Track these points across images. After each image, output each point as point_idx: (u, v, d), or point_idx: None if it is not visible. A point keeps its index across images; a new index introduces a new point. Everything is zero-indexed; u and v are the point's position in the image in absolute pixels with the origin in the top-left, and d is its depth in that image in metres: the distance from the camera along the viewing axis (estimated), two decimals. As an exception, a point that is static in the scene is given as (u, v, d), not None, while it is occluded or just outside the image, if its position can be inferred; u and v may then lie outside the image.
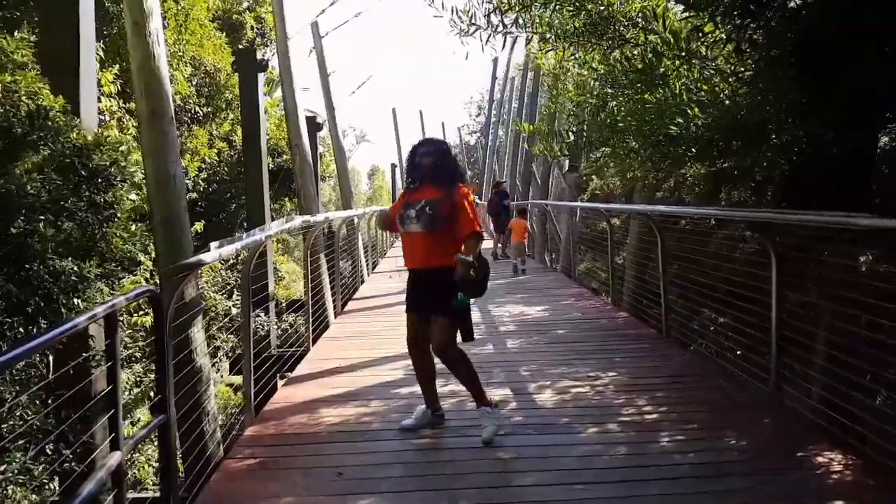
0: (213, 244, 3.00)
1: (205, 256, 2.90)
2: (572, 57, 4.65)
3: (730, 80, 3.51)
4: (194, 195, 13.03)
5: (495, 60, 35.01)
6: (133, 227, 4.44)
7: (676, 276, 6.10)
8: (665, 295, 6.12)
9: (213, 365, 14.59)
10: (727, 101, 3.53)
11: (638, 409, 4.26)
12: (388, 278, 12.19)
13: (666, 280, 6.11)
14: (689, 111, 3.41)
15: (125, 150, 4.59)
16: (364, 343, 6.34)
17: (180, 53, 9.35)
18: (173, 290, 2.87)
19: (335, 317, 8.18)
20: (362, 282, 11.34)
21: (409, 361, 4.73)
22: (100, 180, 4.52)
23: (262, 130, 8.49)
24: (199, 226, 10.32)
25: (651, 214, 5.81)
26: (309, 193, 8.65)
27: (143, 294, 2.72)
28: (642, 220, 7.06)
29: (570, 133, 4.83)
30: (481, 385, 3.97)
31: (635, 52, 4.19)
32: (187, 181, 12.97)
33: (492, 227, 21.54)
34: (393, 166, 41.47)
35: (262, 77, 8.58)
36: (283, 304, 12.14)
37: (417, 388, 4.30)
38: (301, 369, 5.48)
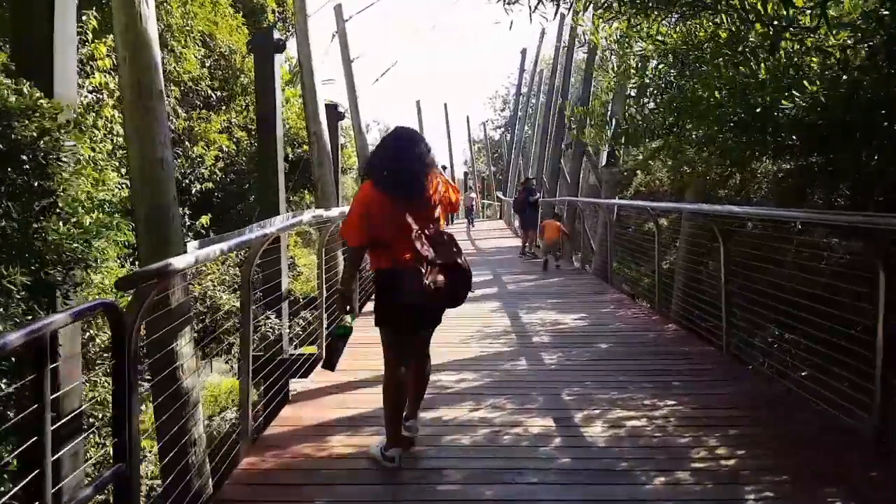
0: (192, 244, 2.37)
1: (176, 261, 2.25)
2: (634, 29, 3.91)
3: (846, 50, 2.76)
4: (210, 185, 12.54)
5: (523, 52, 34.14)
6: (88, 221, 3.70)
7: (741, 286, 5.32)
8: (727, 307, 5.34)
9: (227, 363, 14.12)
10: (842, 76, 2.78)
11: (710, 452, 3.52)
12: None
13: (728, 290, 5.34)
14: (798, 89, 2.66)
15: (69, 119, 3.64)
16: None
17: (188, 28, 8.75)
18: (140, 303, 2.21)
19: (353, 319, 7.54)
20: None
21: (439, 378, 4.17)
22: (25, 157, 3.41)
23: (278, 115, 7.86)
24: (205, 219, 9.73)
25: (713, 215, 5.04)
26: (327, 185, 7.98)
27: (92, 310, 2.08)
28: (698, 221, 6.28)
29: (630, 118, 4.10)
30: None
31: (716, 21, 3.45)
32: (203, 170, 12.48)
33: (516, 223, 20.94)
34: (416, 160, 40.70)
35: (279, 59, 7.96)
36: (301, 301, 11.56)
37: (450, 412, 3.67)
38: (311, 382, 4.83)
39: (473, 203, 29.03)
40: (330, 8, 13.75)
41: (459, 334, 6.29)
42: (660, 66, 3.93)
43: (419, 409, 3.64)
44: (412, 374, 3.41)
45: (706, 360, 5.31)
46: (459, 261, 3.23)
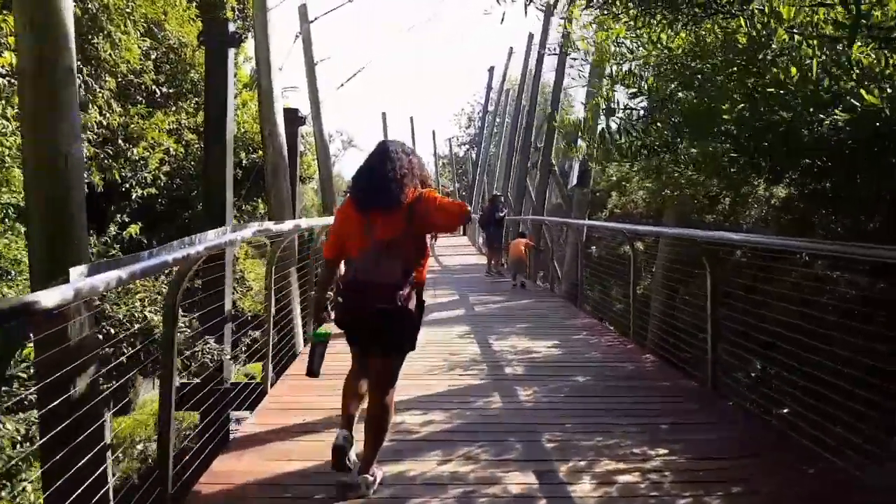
0: (77, 270, 1.75)
1: (45, 296, 1.61)
2: (635, 33, 3.48)
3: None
4: (153, 191, 11.65)
5: (491, 69, 34.13)
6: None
7: (728, 317, 4.92)
8: (713, 340, 4.93)
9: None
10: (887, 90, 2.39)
11: (718, 518, 3.04)
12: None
13: (715, 321, 4.94)
14: (858, 100, 2.25)
15: None
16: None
17: (129, 11, 7.95)
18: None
19: (305, 345, 6.88)
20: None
21: (404, 420, 4.02)
22: None
23: (229, 114, 7.15)
24: (134, 228, 8.88)
25: (706, 242, 4.64)
26: (282, 195, 7.30)
27: None
28: (676, 248, 5.90)
29: (623, 132, 3.64)
30: None
31: (731, 24, 3.04)
32: (146, 174, 11.56)
33: (481, 240, 20.52)
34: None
35: (234, 55, 7.27)
36: (251, 321, 10.74)
37: (416, 465, 3.15)
38: (251, 426, 4.17)
39: None
40: (294, 7, 13.09)
41: (426, 364, 5.72)
42: (661, 75, 3.51)
43: (374, 460, 3.13)
44: (368, 405, 3.18)
45: (692, 398, 4.87)
46: (381, 305, 2.95)
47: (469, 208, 3.14)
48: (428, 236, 3.50)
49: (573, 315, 8.70)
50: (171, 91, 10.35)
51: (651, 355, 6.30)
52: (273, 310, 5.05)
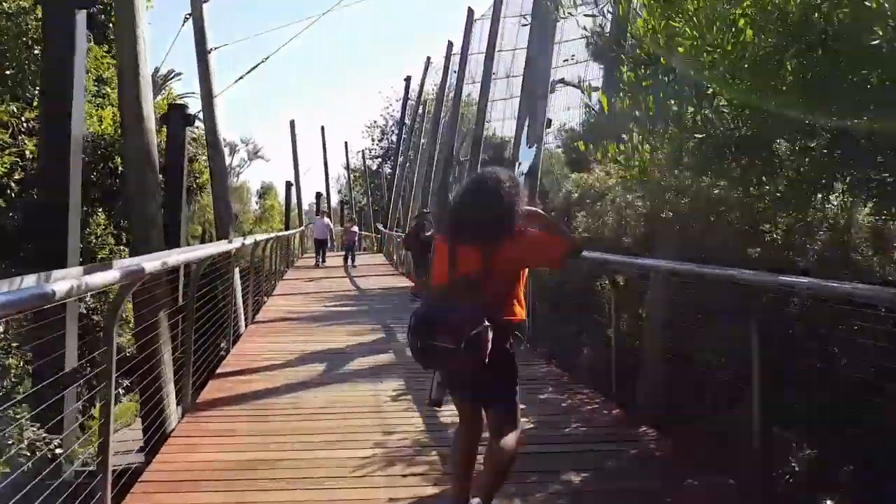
0: None
1: None
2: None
3: None
4: (1, 204, 9.13)
5: (408, 79, 32.77)
6: None
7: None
8: (762, 424, 3.55)
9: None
10: None
11: None
12: (279, 328, 8.93)
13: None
14: None
15: None
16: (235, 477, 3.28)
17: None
18: None
19: (182, 416, 4.94)
20: (235, 341, 7.99)
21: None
22: None
23: (77, 101, 5.13)
24: None
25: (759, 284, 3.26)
26: (150, 209, 5.26)
27: None
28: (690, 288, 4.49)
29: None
30: None
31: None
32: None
33: (403, 254, 18.78)
34: (288, 184, 37.36)
35: (83, 19, 5.23)
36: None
37: None
38: None
39: (356, 237, 26.47)
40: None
41: (352, 452, 4.10)
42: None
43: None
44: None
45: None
46: (438, 341, 2.73)
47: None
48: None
49: (529, 362, 7.18)
50: (12, 74, 7.98)
51: (649, 428, 4.83)
52: (112, 399, 3.13)
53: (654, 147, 4.15)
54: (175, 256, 3.91)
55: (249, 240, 9.69)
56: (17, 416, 4.41)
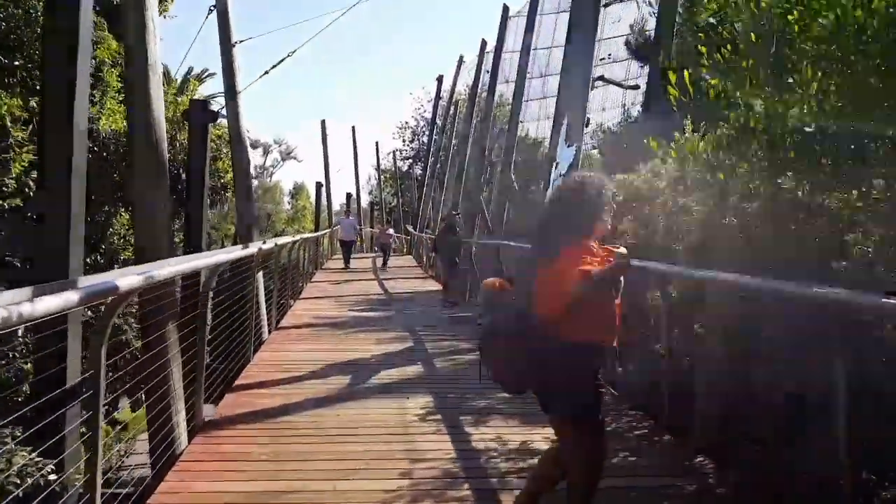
0: None
1: None
2: None
3: None
4: (18, 202, 9.00)
5: (440, 79, 32.27)
6: None
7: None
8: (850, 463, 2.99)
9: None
10: None
11: None
12: (303, 335, 8.58)
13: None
14: None
15: None
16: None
17: None
18: None
19: (194, 435, 4.59)
20: (256, 349, 7.66)
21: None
22: None
23: (81, 86, 4.66)
24: None
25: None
26: (156, 212, 4.81)
27: None
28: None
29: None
30: None
31: None
32: (9, 180, 8.97)
33: (433, 256, 18.32)
34: (318, 185, 37.23)
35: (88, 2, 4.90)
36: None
37: None
38: None
39: (391, 240, 26.11)
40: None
41: (379, 483, 3.67)
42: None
43: None
44: None
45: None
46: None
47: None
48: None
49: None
50: (21, 64, 7.63)
51: (706, 460, 4.31)
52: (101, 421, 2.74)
53: (715, 146, 3.65)
54: (169, 268, 3.39)
55: (269, 244, 9.24)
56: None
